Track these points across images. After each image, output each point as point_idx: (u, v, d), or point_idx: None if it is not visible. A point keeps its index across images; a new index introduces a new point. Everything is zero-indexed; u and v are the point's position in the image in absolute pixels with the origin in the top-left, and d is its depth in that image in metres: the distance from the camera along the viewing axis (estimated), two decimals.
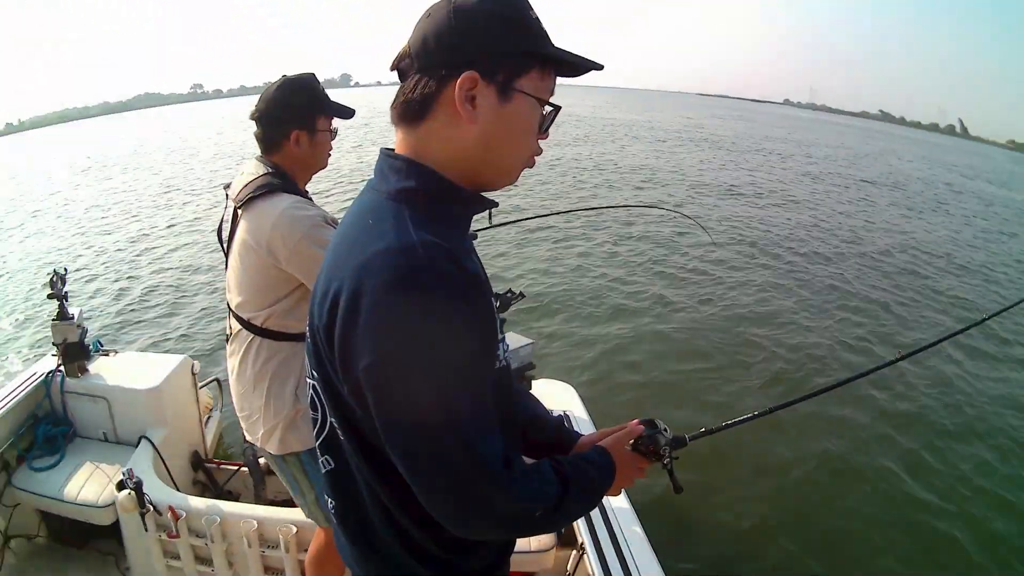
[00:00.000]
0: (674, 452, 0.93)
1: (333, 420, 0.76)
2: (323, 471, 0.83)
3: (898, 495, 3.34)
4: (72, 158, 22.05)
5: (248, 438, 1.54)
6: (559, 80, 0.75)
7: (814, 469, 3.52)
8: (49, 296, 2.20)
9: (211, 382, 2.94)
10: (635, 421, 0.95)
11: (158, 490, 1.92)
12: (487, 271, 0.78)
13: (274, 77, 1.51)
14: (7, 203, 12.44)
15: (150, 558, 1.93)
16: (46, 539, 2.24)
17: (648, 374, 4.51)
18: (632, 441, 0.92)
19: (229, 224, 1.52)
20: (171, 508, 1.83)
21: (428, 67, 0.70)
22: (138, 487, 1.77)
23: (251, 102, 1.51)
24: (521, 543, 1.64)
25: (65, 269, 2.28)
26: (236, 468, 2.43)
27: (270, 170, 1.45)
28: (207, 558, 1.91)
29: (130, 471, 1.79)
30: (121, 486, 1.77)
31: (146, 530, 1.85)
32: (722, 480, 3.31)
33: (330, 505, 0.85)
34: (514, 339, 2.04)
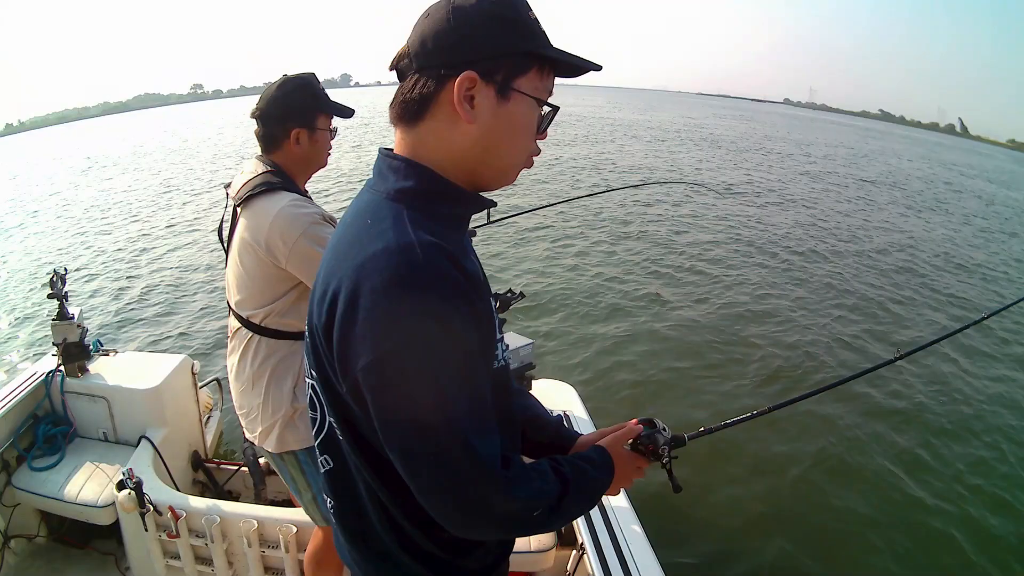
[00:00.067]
0: (673, 451, 0.93)
1: (332, 420, 0.76)
2: (322, 471, 0.83)
3: (896, 494, 3.35)
4: (72, 159, 22.01)
5: (247, 436, 1.55)
6: (558, 80, 0.75)
7: (812, 468, 3.52)
8: (49, 296, 2.20)
9: (211, 382, 2.95)
10: (634, 421, 0.95)
11: (158, 490, 1.92)
12: (485, 270, 0.78)
13: (274, 77, 1.52)
14: (7, 203, 12.44)
15: (150, 558, 1.93)
16: (46, 539, 2.24)
17: (646, 373, 4.51)
18: (631, 441, 0.93)
19: (229, 223, 1.52)
20: (171, 508, 1.83)
21: (427, 67, 0.70)
22: (138, 487, 1.77)
23: (251, 102, 1.51)
24: (521, 543, 1.64)
25: (65, 269, 2.28)
26: (236, 468, 2.43)
27: (270, 169, 1.45)
28: (207, 558, 1.91)
29: (130, 471, 1.79)
30: (121, 486, 1.77)
31: (146, 530, 1.85)
32: (721, 479, 3.32)
33: (329, 505, 0.85)
34: (513, 339, 2.04)
